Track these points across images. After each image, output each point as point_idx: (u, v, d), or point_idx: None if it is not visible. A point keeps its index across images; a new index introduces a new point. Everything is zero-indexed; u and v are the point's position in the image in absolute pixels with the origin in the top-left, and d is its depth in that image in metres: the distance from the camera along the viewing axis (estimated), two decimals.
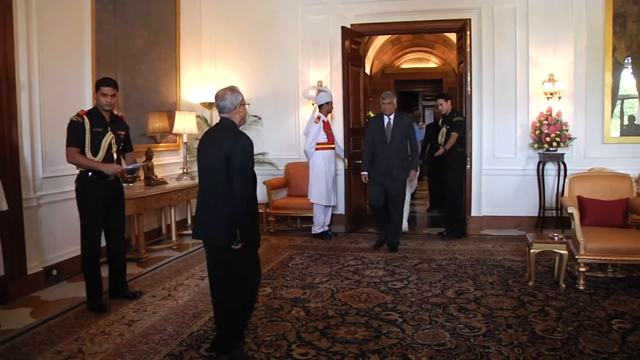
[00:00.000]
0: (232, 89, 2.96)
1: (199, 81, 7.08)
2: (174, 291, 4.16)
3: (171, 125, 6.16)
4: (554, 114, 6.17)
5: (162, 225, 6.08)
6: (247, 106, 3.02)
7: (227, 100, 2.92)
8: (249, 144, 2.83)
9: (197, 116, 6.52)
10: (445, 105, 6.00)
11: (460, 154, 5.84)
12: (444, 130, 6.04)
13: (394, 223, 5.40)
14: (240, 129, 2.95)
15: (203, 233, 2.91)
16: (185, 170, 6.20)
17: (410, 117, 5.54)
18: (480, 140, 6.47)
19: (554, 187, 6.31)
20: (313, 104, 6.47)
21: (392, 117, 5.28)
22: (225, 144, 2.78)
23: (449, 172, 5.90)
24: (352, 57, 6.54)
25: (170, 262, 5.03)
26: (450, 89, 11.14)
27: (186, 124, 6.08)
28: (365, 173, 5.44)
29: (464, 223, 6.02)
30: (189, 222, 6.45)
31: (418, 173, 6.02)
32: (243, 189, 2.78)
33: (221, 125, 2.94)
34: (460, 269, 4.67)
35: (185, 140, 6.22)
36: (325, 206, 6.07)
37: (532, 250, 4.22)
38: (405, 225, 6.03)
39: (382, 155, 5.27)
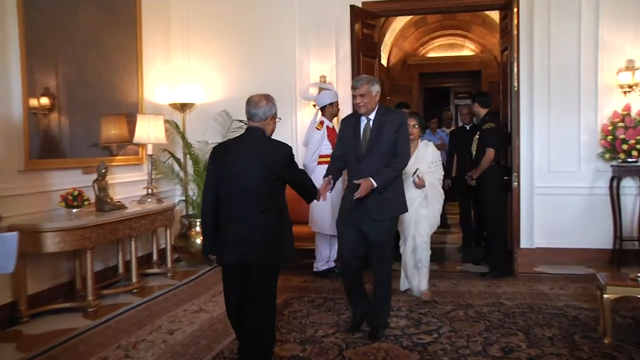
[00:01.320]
0: (268, 98, 3.49)
1: (168, 76, 7.07)
2: (133, 350, 4.07)
3: (131, 132, 6.12)
4: (633, 114, 6.10)
5: (118, 263, 6.01)
6: (278, 120, 3.57)
7: (260, 109, 3.44)
8: (292, 151, 3.47)
9: (166, 121, 6.50)
10: (475, 108, 6.12)
11: (496, 167, 5.87)
12: (476, 137, 6.15)
13: (378, 293, 4.35)
14: None
15: (248, 254, 3.35)
16: (150, 190, 6.15)
17: (402, 114, 4.49)
18: (531, 149, 6.41)
19: (634, 211, 6.25)
20: (314, 106, 6.44)
21: (372, 116, 4.28)
22: (274, 157, 3.36)
23: (485, 192, 5.93)
24: (365, 45, 6.49)
25: (129, 311, 4.96)
26: (491, 84, 11.15)
27: (151, 131, 6.05)
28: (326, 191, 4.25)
29: (510, 257, 5.93)
30: (155, 257, 6.39)
31: (441, 203, 5.37)
32: (308, 178, 3.81)
33: (255, 135, 3.45)
34: (508, 319, 4.61)
35: (150, 152, 6.18)
36: (331, 236, 6.02)
37: (606, 295, 4.07)
38: (423, 285, 5.24)
39: (354, 177, 4.24)
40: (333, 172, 4.31)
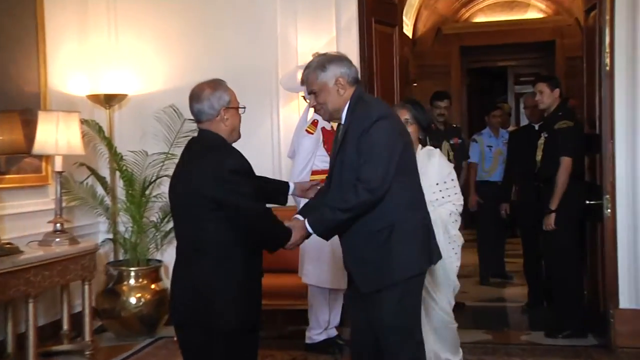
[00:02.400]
0: (214, 85, 3.56)
1: (86, 56, 7.05)
2: None
3: (29, 138, 5.97)
4: None
5: (7, 337, 5.77)
6: (241, 111, 3.62)
7: (205, 103, 3.52)
8: (240, 164, 3.44)
9: (83, 121, 6.41)
10: (547, 96, 6.17)
11: (573, 185, 6.00)
12: (542, 141, 6.27)
13: None
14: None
15: (174, 310, 3.63)
16: (59, 225, 5.92)
17: (370, 109, 3.88)
18: (632, 159, 6.18)
19: None
20: (305, 99, 6.28)
21: (344, 118, 3.99)
22: (202, 173, 3.42)
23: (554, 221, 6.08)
24: (378, 7, 6.63)
25: None
26: (570, 61, 11.27)
27: (61, 137, 5.84)
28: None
29: (601, 321, 5.95)
30: (66, 326, 6.15)
31: (458, 254, 4.95)
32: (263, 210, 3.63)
33: (197, 142, 3.63)
34: None
35: (59, 167, 5.94)
36: (332, 291, 6.01)
37: None
38: None
39: None
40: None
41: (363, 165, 3.67)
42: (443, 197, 4.67)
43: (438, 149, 4.93)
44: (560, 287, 6.22)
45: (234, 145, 3.65)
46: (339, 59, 3.89)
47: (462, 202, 4.78)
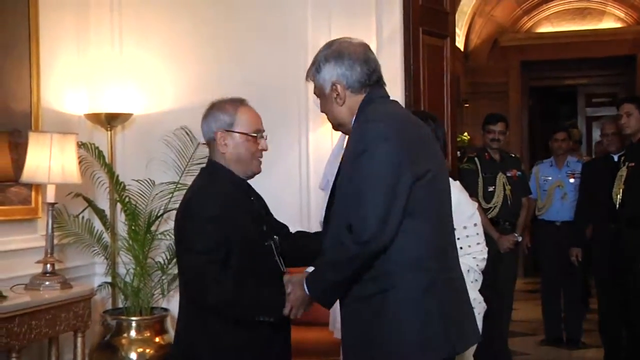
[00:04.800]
0: (220, 103, 3.66)
1: (85, 71, 7.07)
2: None
3: (17, 163, 6.01)
4: None
5: None
6: (244, 137, 3.57)
7: (204, 122, 3.67)
8: (204, 207, 3.42)
9: (81, 144, 6.43)
10: (636, 119, 6.32)
11: None
12: (623, 173, 6.31)
13: None
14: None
15: None
16: (49, 267, 5.92)
17: (369, 125, 3.29)
18: None
19: None
20: None
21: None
22: (177, 215, 3.62)
23: None
24: (427, 15, 6.71)
25: None
26: None
27: (54, 162, 5.82)
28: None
29: None
30: None
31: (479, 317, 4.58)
32: (218, 297, 3.41)
33: (198, 175, 3.79)
34: None
35: (51, 199, 5.94)
36: None
37: None
38: None
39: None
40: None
41: (352, 207, 3.10)
42: (461, 248, 4.05)
43: (457, 182, 4.53)
44: None
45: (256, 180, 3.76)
46: (339, 55, 3.32)
47: (485, 256, 4.44)
